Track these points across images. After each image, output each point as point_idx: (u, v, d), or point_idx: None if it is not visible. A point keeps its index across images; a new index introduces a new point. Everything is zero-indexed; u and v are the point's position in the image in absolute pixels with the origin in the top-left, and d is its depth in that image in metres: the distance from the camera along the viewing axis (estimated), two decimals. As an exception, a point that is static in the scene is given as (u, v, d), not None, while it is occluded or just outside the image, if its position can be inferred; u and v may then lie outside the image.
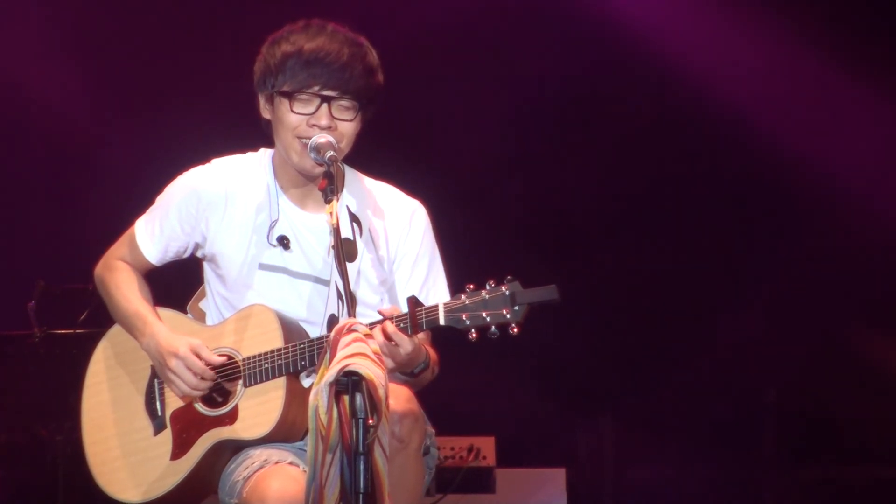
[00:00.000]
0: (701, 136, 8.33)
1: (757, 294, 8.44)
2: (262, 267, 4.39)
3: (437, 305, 4.09)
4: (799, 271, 8.39)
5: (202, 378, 4.29)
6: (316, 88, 4.29)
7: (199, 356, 4.29)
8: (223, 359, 4.32)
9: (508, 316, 4.04)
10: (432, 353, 4.32)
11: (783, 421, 8.59)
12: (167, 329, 4.37)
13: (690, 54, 8.21)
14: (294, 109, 4.31)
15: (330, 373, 3.76)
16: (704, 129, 8.30)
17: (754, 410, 8.61)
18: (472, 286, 4.09)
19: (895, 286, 8.26)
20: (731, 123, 8.26)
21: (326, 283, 4.36)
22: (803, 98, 8.25)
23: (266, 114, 4.41)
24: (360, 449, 3.70)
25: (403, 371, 4.17)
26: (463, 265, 4.58)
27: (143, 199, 4.62)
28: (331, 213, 4.10)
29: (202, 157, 4.54)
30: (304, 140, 4.30)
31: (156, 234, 4.48)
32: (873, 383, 8.39)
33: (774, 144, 8.25)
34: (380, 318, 4.16)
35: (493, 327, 4.05)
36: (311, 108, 4.30)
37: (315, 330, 4.34)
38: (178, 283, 4.68)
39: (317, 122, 4.29)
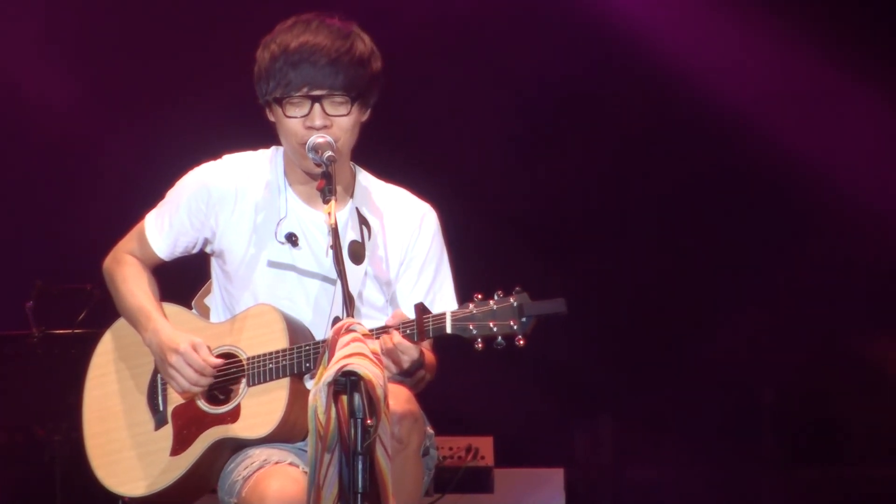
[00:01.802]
0: (701, 137, 8.33)
1: (755, 294, 8.44)
2: (271, 264, 4.38)
3: (444, 313, 4.09)
4: (797, 271, 8.40)
5: (202, 375, 4.29)
6: (305, 90, 4.26)
7: (198, 354, 4.29)
8: (220, 361, 4.32)
9: (515, 327, 4.03)
10: (430, 356, 4.31)
11: (781, 421, 8.60)
12: (170, 325, 4.36)
13: (690, 54, 8.22)
14: (288, 114, 4.29)
15: (328, 373, 3.76)
16: (704, 129, 8.30)
17: (752, 410, 8.61)
18: (480, 295, 4.08)
19: (893, 286, 8.27)
20: (731, 124, 8.26)
21: (333, 282, 4.35)
22: (802, 98, 8.25)
23: (271, 117, 4.39)
24: (359, 448, 3.70)
25: (402, 374, 4.17)
26: (463, 266, 4.58)
27: (141, 200, 4.62)
28: (329, 214, 4.10)
29: (200, 157, 4.54)
30: (303, 143, 4.29)
31: (165, 228, 4.47)
32: (871, 383, 8.40)
33: (774, 145, 8.26)
34: (384, 322, 4.16)
35: (500, 338, 4.04)
36: (303, 110, 4.28)
37: (321, 329, 4.33)
38: (182, 278, 4.67)
39: (311, 124, 4.27)
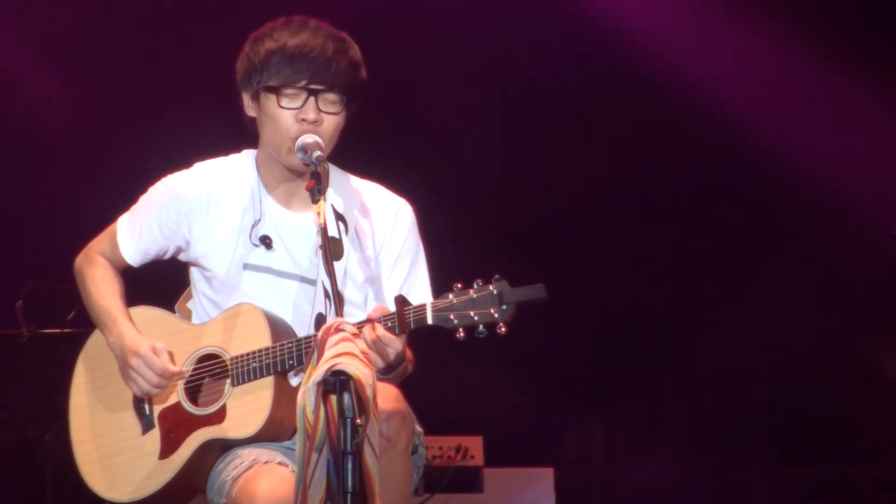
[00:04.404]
0: (694, 136, 8.34)
1: (748, 293, 8.45)
2: (248, 267, 4.40)
3: (424, 304, 4.09)
4: (791, 271, 8.40)
5: (161, 377, 4.30)
6: (303, 83, 4.30)
7: (158, 357, 4.30)
8: (177, 370, 4.33)
9: (496, 315, 4.03)
10: (408, 352, 4.33)
11: (773, 420, 8.61)
12: (135, 330, 4.39)
13: (684, 55, 8.22)
14: (281, 104, 4.32)
15: (317, 372, 3.75)
16: (698, 128, 8.31)
17: (744, 409, 8.63)
18: (460, 285, 4.08)
19: (888, 285, 8.28)
20: (726, 123, 8.27)
21: (312, 282, 4.36)
22: (800, 98, 8.26)
23: (251, 112, 4.42)
24: (348, 448, 3.70)
25: (380, 369, 4.17)
26: (451, 265, 4.58)
27: (135, 200, 4.61)
28: (318, 213, 4.11)
29: (200, 156, 4.55)
30: (293, 137, 4.30)
31: (135, 235, 4.50)
32: (866, 383, 8.41)
33: (769, 144, 8.26)
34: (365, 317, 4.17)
35: (481, 326, 4.03)
36: (297, 103, 4.31)
37: (302, 330, 4.34)
38: (169, 281, 4.68)
39: (305, 116, 4.30)
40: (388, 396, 4.06)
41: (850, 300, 8.39)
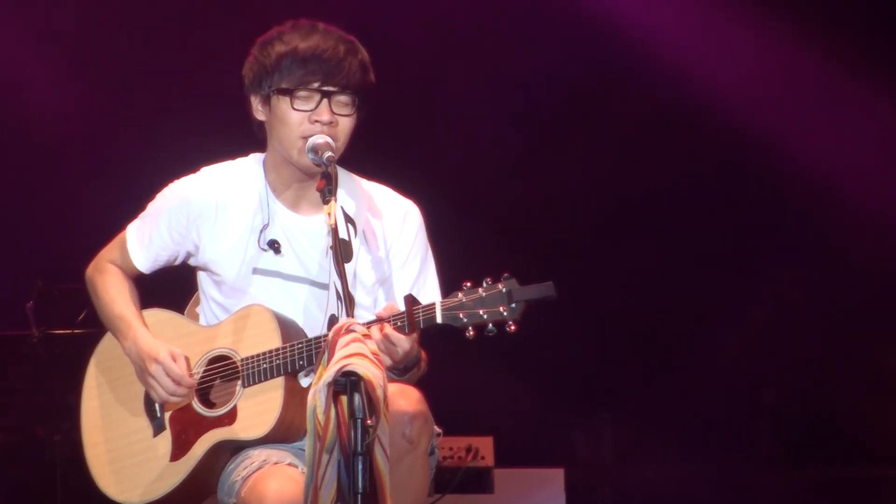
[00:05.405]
0: (699, 136, 8.33)
1: (755, 294, 8.44)
2: (257, 272, 4.40)
3: (434, 304, 4.09)
4: (797, 271, 8.40)
5: (179, 385, 4.30)
6: (316, 85, 4.29)
7: (177, 364, 4.30)
8: (193, 382, 4.32)
9: (505, 314, 4.03)
10: (422, 352, 4.33)
11: (781, 421, 8.60)
12: (150, 334, 4.39)
13: (688, 54, 8.21)
14: (295, 107, 4.31)
15: (328, 373, 3.76)
16: (703, 128, 8.30)
17: (753, 410, 8.62)
18: (469, 284, 4.08)
19: (893, 286, 8.27)
20: (730, 123, 8.26)
21: (323, 286, 4.36)
22: (805, 97, 8.25)
23: (260, 116, 4.41)
24: (359, 449, 3.70)
25: (395, 368, 4.18)
26: (460, 265, 4.59)
27: (142, 200, 4.62)
28: (329, 214, 4.11)
29: (202, 157, 4.55)
30: (305, 137, 4.30)
31: (145, 242, 4.49)
32: (871, 383, 8.40)
33: (773, 144, 8.26)
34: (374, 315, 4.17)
35: (491, 325, 4.04)
36: (311, 105, 4.30)
37: (313, 335, 4.32)
38: (176, 286, 4.68)
39: (318, 118, 4.30)
40: (411, 399, 4.09)
41: (857, 301, 8.38)
